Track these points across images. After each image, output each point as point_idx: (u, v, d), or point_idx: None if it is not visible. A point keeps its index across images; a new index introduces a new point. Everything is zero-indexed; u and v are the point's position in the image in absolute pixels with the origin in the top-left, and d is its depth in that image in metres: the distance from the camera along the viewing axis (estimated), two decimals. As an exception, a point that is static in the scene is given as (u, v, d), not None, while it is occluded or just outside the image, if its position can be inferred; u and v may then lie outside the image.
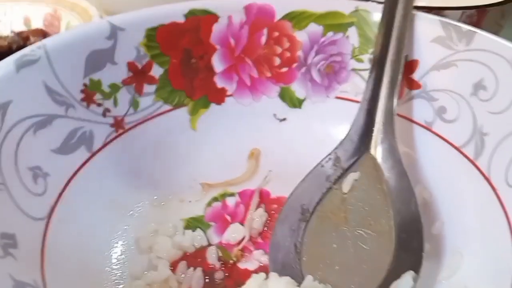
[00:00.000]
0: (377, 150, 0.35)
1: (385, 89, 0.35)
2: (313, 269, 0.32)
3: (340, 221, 0.34)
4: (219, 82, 0.40)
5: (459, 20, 0.40)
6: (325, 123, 0.40)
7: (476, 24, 0.41)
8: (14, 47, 0.51)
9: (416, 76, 0.36)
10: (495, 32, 0.44)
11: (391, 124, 0.35)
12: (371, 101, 0.35)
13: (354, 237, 0.33)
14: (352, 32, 0.38)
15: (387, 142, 0.35)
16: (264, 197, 0.38)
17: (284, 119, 0.41)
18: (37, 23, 0.56)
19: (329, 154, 0.35)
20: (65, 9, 0.54)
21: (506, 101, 0.32)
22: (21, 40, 0.52)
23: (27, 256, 0.29)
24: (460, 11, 0.40)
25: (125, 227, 0.36)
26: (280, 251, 0.33)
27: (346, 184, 0.35)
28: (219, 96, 0.40)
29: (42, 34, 0.54)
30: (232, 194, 0.38)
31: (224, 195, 0.38)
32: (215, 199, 0.38)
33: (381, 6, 0.36)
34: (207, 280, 0.34)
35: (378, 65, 0.35)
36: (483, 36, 0.34)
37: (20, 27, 0.57)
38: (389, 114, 0.35)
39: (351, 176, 0.35)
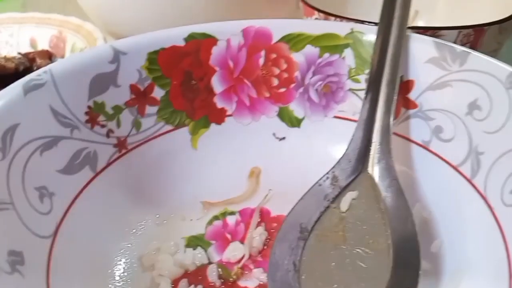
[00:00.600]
0: (374, 169, 0.36)
1: (381, 109, 0.36)
2: (312, 287, 0.33)
3: (338, 239, 0.34)
4: (219, 103, 0.41)
5: (456, 40, 0.41)
6: (323, 142, 0.41)
7: (474, 43, 0.42)
8: (21, 68, 0.52)
9: (412, 96, 0.37)
10: (494, 50, 0.45)
11: (387, 143, 0.35)
12: (367, 120, 0.36)
13: (353, 256, 0.34)
14: (348, 53, 0.39)
15: (384, 161, 0.35)
16: (264, 216, 0.39)
17: (283, 138, 0.42)
18: (43, 45, 0.57)
19: (327, 173, 0.36)
20: (70, 31, 0.55)
21: (500, 120, 0.33)
22: (28, 62, 0.54)
23: (34, 273, 0.30)
24: (457, 31, 0.41)
25: (128, 245, 0.36)
26: (279, 269, 0.33)
27: (344, 202, 0.35)
28: (219, 116, 0.41)
29: (48, 55, 0.55)
30: (232, 213, 0.39)
31: (224, 214, 0.39)
32: (216, 217, 0.39)
33: (375, 28, 0.37)
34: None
35: (373, 85, 0.36)
36: (476, 57, 0.34)
37: (27, 49, 0.58)
38: (386, 134, 0.35)
39: (349, 195, 0.35)
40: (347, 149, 0.36)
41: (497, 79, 0.33)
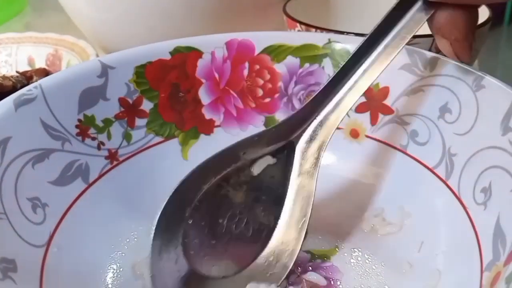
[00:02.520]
0: (302, 145, 0.36)
1: (336, 99, 0.35)
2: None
3: (236, 197, 0.36)
4: (207, 114, 0.42)
5: (430, 47, 0.42)
6: (307, 148, 0.42)
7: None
8: (18, 86, 0.54)
9: (388, 102, 0.39)
10: (472, 57, 0.46)
11: (328, 133, 0.35)
12: (321, 97, 0.35)
13: (242, 219, 0.35)
14: (327, 62, 0.40)
15: (316, 144, 0.35)
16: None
17: (270, 147, 0.43)
18: (40, 63, 0.59)
19: (257, 133, 0.36)
20: (66, 49, 0.57)
21: (469, 122, 0.34)
22: (25, 80, 0.55)
23: (27, 280, 0.31)
24: (431, 39, 0.42)
25: (121, 253, 0.37)
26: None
27: (258, 166, 0.36)
28: (208, 127, 0.43)
29: (45, 73, 0.57)
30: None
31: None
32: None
33: (352, 37, 0.39)
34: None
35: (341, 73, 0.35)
36: (444, 62, 0.36)
37: (25, 67, 0.60)
38: (331, 124, 0.35)
39: (266, 160, 0.36)
40: (291, 116, 0.36)
41: (465, 83, 0.34)
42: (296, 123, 0.36)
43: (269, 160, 0.36)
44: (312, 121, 0.36)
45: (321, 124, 0.35)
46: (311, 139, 0.36)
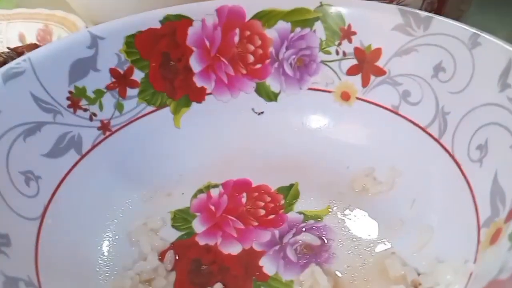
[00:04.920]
0: None
1: None
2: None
3: None
4: (198, 82, 0.40)
5: (420, 8, 0.41)
6: (300, 113, 0.40)
7: (437, 11, 0.42)
8: (9, 62, 0.52)
9: (380, 63, 0.37)
10: (457, 18, 0.44)
11: None
12: None
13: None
14: (318, 26, 0.38)
15: None
16: (245, 186, 0.39)
17: (262, 113, 0.41)
18: (31, 39, 0.56)
19: None
20: (56, 24, 0.54)
21: (464, 80, 0.32)
22: (16, 55, 0.53)
23: (21, 254, 0.30)
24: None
25: (116, 221, 0.36)
26: None
27: None
28: (199, 95, 0.41)
29: (36, 48, 0.54)
30: (216, 185, 0.39)
31: (208, 187, 0.39)
32: (200, 190, 0.39)
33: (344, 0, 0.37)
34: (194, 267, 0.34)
35: None
36: (439, 21, 0.34)
37: (16, 44, 0.57)
38: None
39: None
40: None
41: (460, 41, 0.32)
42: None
43: None
44: None
45: None
46: None
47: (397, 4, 0.36)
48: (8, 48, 0.55)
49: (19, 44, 0.57)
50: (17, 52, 0.53)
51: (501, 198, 0.27)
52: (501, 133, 0.29)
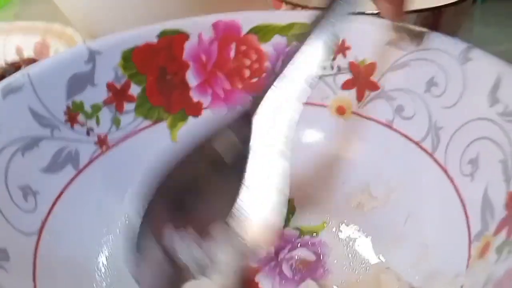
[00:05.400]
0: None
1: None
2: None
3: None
4: (195, 96, 0.41)
5: (415, 23, 0.41)
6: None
7: (434, 25, 0.42)
8: (7, 76, 0.52)
9: (374, 78, 0.37)
10: (454, 32, 0.45)
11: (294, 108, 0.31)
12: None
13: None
14: (314, 41, 0.39)
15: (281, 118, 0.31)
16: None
17: (258, 127, 0.42)
18: (29, 52, 0.57)
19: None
20: (54, 37, 0.55)
21: (455, 95, 0.33)
22: (14, 70, 0.53)
23: (19, 268, 0.30)
24: (415, 14, 0.41)
25: (113, 236, 0.37)
26: None
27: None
28: (195, 109, 0.41)
29: (33, 62, 0.55)
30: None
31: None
32: (200, 201, 0.39)
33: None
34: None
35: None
36: (431, 35, 0.34)
37: (14, 57, 0.58)
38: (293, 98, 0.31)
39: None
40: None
41: (451, 56, 0.33)
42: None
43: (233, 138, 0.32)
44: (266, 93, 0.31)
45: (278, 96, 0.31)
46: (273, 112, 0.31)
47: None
48: (5, 62, 0.55)
49: (17, 57, 0.57)
50: (14, 67, 0.54)
51: (491, 212, 0.28)
52: (491, 147, 0.29)
